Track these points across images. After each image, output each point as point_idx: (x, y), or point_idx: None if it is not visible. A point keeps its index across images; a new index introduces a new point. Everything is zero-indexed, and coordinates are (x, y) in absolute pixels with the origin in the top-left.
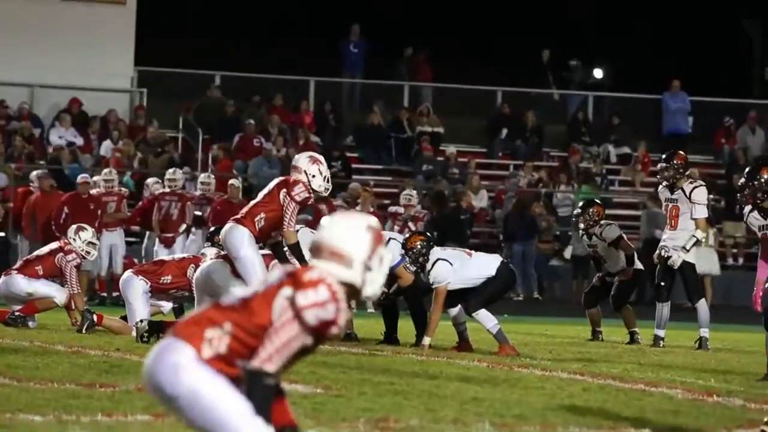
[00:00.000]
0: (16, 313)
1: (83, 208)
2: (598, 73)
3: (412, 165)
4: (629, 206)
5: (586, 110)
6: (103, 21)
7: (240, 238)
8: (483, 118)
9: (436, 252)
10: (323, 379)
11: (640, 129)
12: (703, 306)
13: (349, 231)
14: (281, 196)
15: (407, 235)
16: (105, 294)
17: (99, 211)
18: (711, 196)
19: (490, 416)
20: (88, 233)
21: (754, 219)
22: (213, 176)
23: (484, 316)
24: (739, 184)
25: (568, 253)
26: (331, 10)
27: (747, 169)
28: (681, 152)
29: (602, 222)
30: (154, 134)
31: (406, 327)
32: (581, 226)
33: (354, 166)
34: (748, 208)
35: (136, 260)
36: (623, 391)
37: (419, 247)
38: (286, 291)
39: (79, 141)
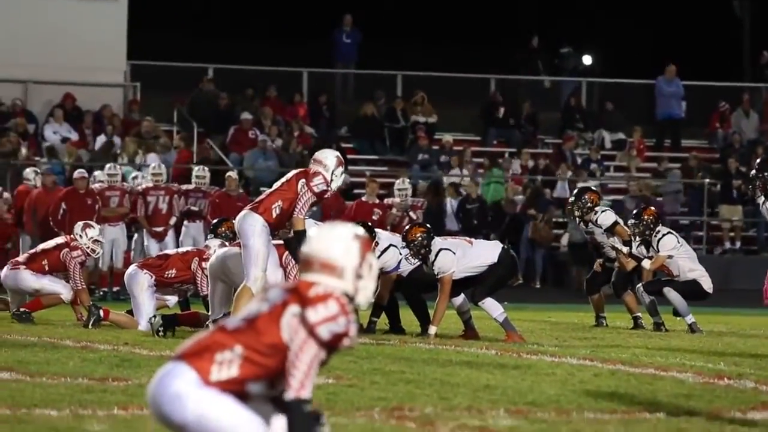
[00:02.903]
0: (22, 309)
1: (81, 204)
2: (587, 59)
3: (407, 155)
4: (625, 192)
5: (580, 96)
6: (95, 16)
7: (252, 226)
8: (477, 106)
9: (438, 242)
10: (334, 369)
11: (633, 115)
12: (672, 294)
13: (337, 242)
14: (299, 186)
15: (407, 228)
16: (107, 289)
17: (97, 206)
18: (708, 180)
19: (504, 403)
20: (94, 231)
21: None
22: (207, 169)
23: (490, 304)
24: (750, 175)
25: (565, 240)
26: (323, 1)
27: (758, 161)
28: (651, 207)
29: (597, 209)
30: (149, 128)
31: (408, 317)
32: (576, 213)
33: (349, 156)
34: (761, 199)
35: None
36: (634, 376)
37: (420, 239)
38: (294, 308)
39: (74, 136)
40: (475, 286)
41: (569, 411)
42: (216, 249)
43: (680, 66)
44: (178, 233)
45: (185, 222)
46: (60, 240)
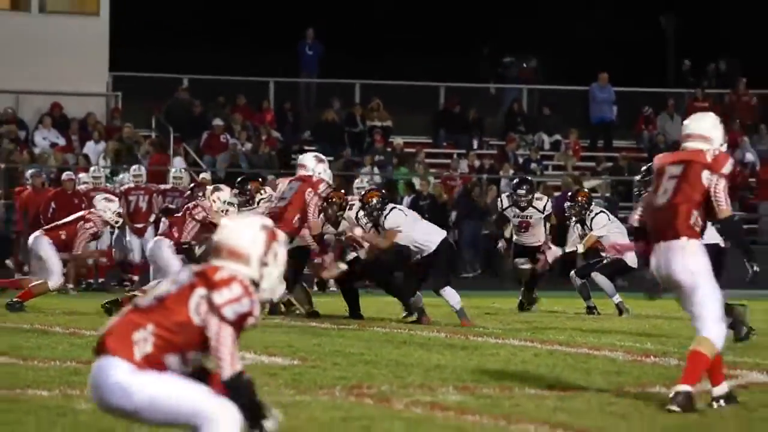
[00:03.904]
0: (14, 299)
1: (68, 203)
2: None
3: (364, 156)
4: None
5: (521, 102)
6: (79, 31)
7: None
8: (428, 111)
9: (391, 205)
10: (299, 351)
11: (569, 118)
12: (599, 278)
13: (245, 231)
14: (307, 195)
15: (363, 191)
16: (92, 280)
17: (83, 206)
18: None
19: (452, 381)
20: (114, 204)
21: None
22: (184, 170)
23: (449, 293)
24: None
25: (508, 233)
26: (286, 16)
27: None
28: (585, 190)
29: (591, 208)
30: (129, 134)
31: (368, 303)
32: (574, 219)
33: None
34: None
35: (114, 250)
36: (570, 356)
37: (374, 202)
38: (201, 291)
39: (61, 141)
40: (432, 277)
41: (512, 387)
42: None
43: (611, 73)
44: (156, 228)
45: (162, 219)
46: (79, 214)
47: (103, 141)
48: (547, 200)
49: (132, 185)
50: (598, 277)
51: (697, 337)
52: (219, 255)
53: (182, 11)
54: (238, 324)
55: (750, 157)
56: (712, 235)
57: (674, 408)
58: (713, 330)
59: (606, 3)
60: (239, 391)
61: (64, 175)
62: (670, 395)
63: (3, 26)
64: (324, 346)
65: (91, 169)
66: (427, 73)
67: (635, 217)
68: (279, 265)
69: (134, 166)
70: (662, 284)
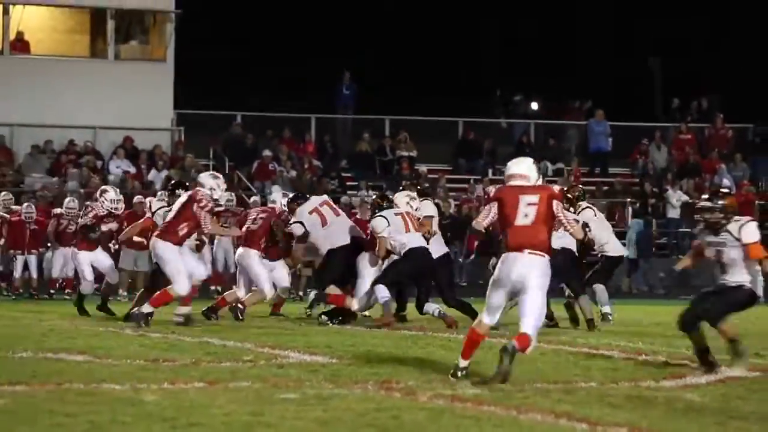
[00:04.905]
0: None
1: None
2: (534, 105)
3: (393, 182)
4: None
5: (529, 135)
6: (148, 75)
7: None
8: (448, 142)
9: (386, 211)
10: (337, 351)
11: (569, 148)
12: (599, 288)
13: None
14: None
15: (377, 194)
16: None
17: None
18: (629, 200)
19: (470, 377)
20: (221, 180)
21: None
22: (234, 194)
23: (429, 307)
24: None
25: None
26: (325, 60)
27: None
28: (579, 186)
29: (581, 204)
30: (191, 163)
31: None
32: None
33: (348, 183)
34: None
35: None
36: (572, 354)
37: (375, 204)
38: None
39: (132, 170)
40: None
41: (522, 382)
42: (280, 201)
43: (606, 110)
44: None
45: (216, 238)
46: (183, 200)
47: (165, 169)
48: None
49: None
50: (598, 288)
51: None
52: None
53: (236, 57)
54: None
55: (726, 182)
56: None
57: None
58: None
59: (601, 47)
60: None
61: (136, 199)
62: None
63: (84, 71)
64: (358, 347)
65: (158, 194)
66: (447, 110)
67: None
68: None
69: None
70: None
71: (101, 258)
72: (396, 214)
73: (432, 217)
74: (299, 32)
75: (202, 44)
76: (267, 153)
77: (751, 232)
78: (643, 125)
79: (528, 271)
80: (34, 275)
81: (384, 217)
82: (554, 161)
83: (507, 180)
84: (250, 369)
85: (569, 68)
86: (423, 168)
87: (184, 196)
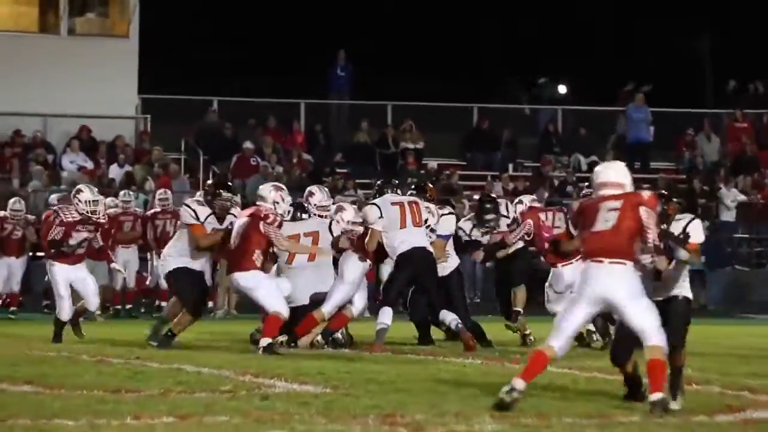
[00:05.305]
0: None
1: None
2: (562, 89)
3: (397, 179)
4: None
5: (556, 123)
6: (108, 54)
7: None
8: (461, 133)
9: (380, 201)
10: (331, 379)
11: (605, 139)
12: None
13: None
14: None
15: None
16: (119, 306)
17: (112, 230)
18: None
19: (489, 410)
20: (284, 192)
21: None
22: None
23: (385, 311)
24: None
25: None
26: (317, 37)
27: None
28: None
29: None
30: (158, 157)
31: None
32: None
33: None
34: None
35: (145, 274)
36: (609, 383)
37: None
38: None
39: (89, 165)
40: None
41: (549, 416)
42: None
43: (647, 94)
44: None
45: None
46: (245, 219)
47: (128, 165)
48: (506, 202)
49: (159, 209)
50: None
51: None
52: None
53: (212, 33)
54: None
55: None
56: None
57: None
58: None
59: (646, 23)
60: None
61: None
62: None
63: (31, 49)
64: (356, 374)
65: (121, 193)
66: (459, 94)
67: None
68: None
69: (160, 190)
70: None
71: (82, 276)
72: (393, 203)
73: (449, 238)
74: (287, 3)
75: (171, 18)
76: (248, 145)
77: None
78: (689, 111)
79: (615, 282)
80: None
81: (377, 205)
82: (587, 154)
83: (597, 189)
84: (228, 401)
85: (605, 44)
86: (432, 163)
87: (244, 218)
